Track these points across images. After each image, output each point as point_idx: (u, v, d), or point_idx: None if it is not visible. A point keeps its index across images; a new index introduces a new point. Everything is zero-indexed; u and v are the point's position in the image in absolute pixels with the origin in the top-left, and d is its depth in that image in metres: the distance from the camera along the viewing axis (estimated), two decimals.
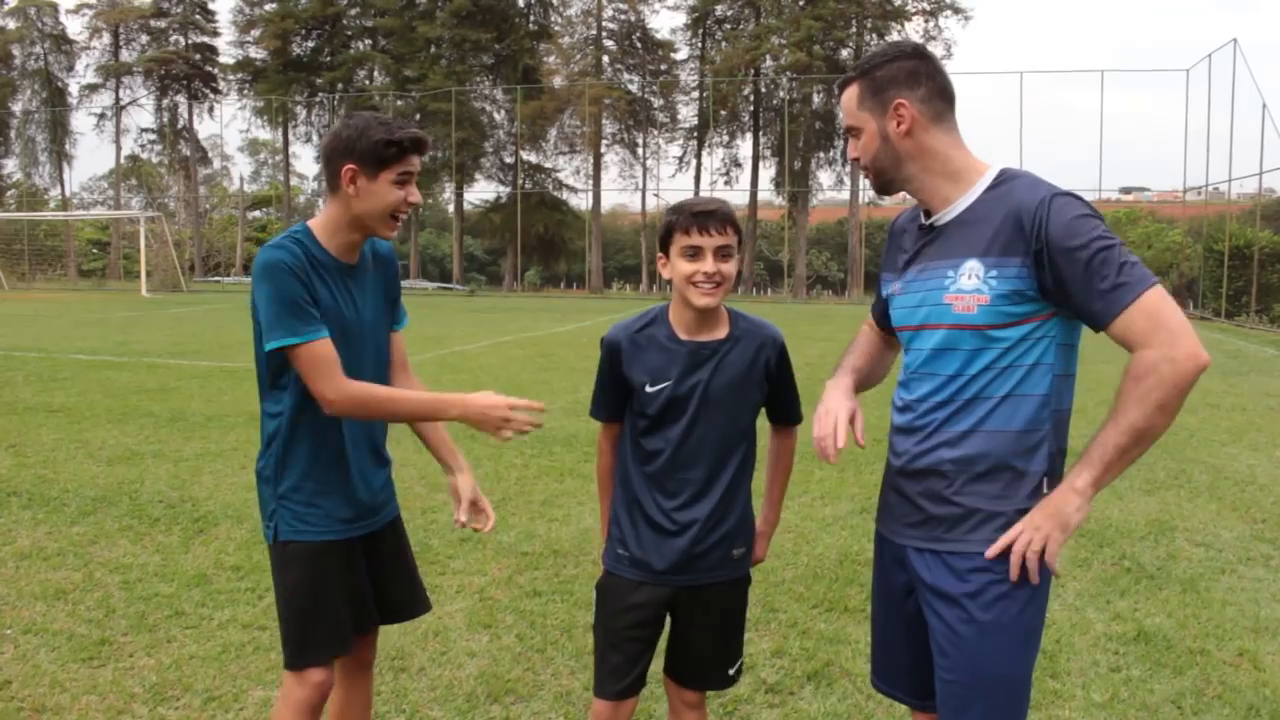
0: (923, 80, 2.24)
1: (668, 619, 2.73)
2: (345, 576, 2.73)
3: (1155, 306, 2.05)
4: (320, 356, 2.52)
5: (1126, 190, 58.40)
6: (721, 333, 2.61)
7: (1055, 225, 2.07)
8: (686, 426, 2.58)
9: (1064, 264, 2.07)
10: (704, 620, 2.71)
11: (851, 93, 2.29)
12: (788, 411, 2.78)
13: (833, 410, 2.35)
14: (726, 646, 2.76)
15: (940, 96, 2.25)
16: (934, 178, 2.25)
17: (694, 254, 2.49)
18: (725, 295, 2.56)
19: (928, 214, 2.31)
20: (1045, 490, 2.19)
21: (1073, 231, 2.07)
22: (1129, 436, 2.06)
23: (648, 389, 2.60)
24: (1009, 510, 2.19)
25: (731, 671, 2.78)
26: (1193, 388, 2.05)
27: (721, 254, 2.50)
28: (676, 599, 2.67)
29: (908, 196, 2.36)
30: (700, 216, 2.49)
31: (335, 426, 2.67)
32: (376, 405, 2.63)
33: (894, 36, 49.08)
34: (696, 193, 54.26)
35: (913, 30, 49.54)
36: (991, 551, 2.16)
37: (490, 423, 2.55)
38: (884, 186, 2.33)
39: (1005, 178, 2.22)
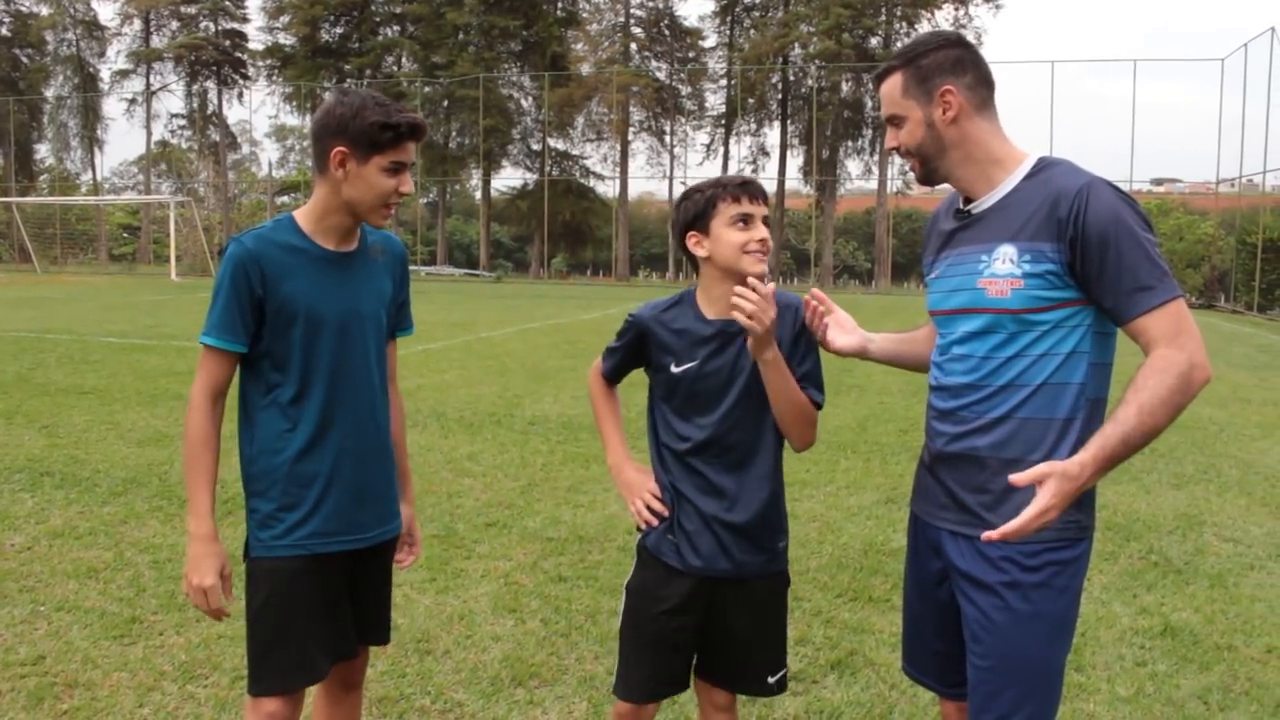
0: (968, 68, 2.23)
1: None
2: (322, 595, 2.51)
3: (1180, 315, 2.05)
4: (214, 365, 2.42)
5: (1158, 181, 57.73)
6: None
7: (1093, 213, 2.06)
8: (723, 409, 2.51)
9: (1096, 253, 2.06)
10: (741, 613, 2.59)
11: (894, 81, 2.27)
12: (805, 382, 2.53)
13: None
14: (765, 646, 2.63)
15: (983, 84, 2.24)
16: (975, 165, 2.24)
17: (746, 221, 2.44)
18: None
19: (966, 201, 2.30)
20: None
21: (1110, 221, 2.05)
22: (1139, 432, 1.98)
23: (673, 370, 2.54)
24: None
25: (772, 680, 2.63)
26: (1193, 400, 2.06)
27: (765, 221, 2.49)
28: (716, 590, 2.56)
29: (935, 188, 2.35)
30: (746, 185, 2.47)
31: (327, 429, 2.48)
32: (189, 446, 2.44)
33: (924, 25, 48.76)
34: None
35: (943, 19, 49.20)
36: (1018, 480, 1.94)
37: None
38: (928, 175, 2.31)
39: (1044, 165, 2.21)
